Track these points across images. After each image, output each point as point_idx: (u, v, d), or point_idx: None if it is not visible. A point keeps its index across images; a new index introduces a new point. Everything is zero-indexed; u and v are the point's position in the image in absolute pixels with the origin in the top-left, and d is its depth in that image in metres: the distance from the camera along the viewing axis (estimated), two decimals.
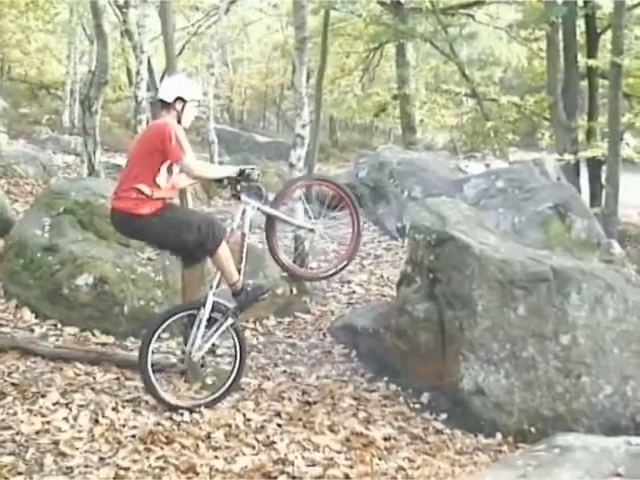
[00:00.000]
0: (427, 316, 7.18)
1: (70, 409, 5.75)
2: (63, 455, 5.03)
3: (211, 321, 6.32)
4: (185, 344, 6.41)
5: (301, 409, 6.54)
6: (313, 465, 5.35)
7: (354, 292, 9.92)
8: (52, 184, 12.99)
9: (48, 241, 8.11)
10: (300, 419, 6.29)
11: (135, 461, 5.05)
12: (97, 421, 5.63)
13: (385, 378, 7.37)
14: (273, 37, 35.74)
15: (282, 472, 5.14)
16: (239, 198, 6.58)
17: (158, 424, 5.68)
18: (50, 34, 27.99)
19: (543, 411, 6.62)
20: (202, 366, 6.67)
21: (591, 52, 20.34)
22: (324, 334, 8.49)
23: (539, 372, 6.70)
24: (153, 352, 6.21)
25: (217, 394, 6.34)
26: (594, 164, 19.52)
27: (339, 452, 5.70)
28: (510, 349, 6.76)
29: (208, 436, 5.61)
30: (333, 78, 28.04)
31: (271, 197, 7.12)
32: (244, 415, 6.12)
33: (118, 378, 6.54)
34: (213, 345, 6.52)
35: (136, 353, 6.85)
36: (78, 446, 5.19)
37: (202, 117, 20.53)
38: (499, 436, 6.55)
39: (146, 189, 6.07)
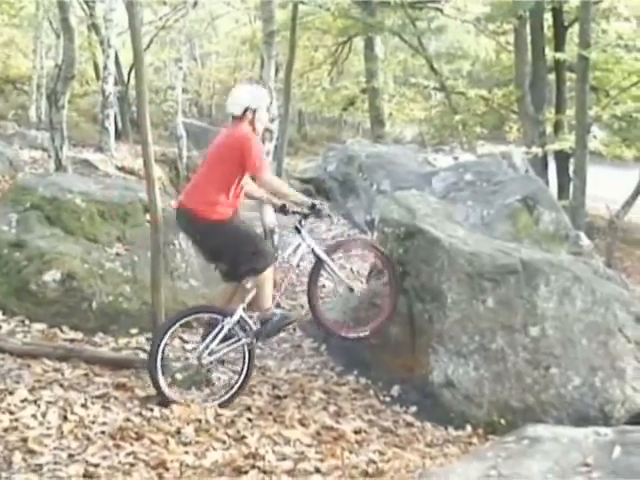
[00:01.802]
0: (397, 309, 7.19)
1: (38, 406, 5.68)
2: (32, 452, 4.97)
3: (231, 333, 6.41)
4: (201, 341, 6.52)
5: (271, 403, 6.55)
6: (284, 459, 5.33)
7: (323, 286, 9.86)
8: (19, 180, 12.85)
9: (15, 237, 8.01)
10: (270, 413, 6.29)
11: (105, 457, 5.00)
12: (66, 418, 5.56)
13: (355, 371, 7.38)
14: (241, 31, 35.58)
15: (253, 466, 5.11)
16: (299, 232, 6.81)
17: (128, 420, 5.64)
18: (16, 28, 27.71)
19: (513, 403, 6.69)
20: (208, 371, 6.70)
21: (558, 45, 20.50)
22: (294, 328, 8.46)
23: (508, 364, 6.77)
24: (166, 344, 6.29)
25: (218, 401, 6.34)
26: (562, 157, 19.70)
27: (310, 446, 5.70)
28: (479, 341, 6.82)
29: (178, 431, 5.57)
30: (302, 72, 28.00)
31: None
32: (214, 410, 6.10)
33: (87, 374, 6.48)
34: (224, 356, 6.59)
35: (105, 349, 6.87)
36: (47, 443, 5.13)
37: (170, 111, 20.49)
38: (469, 428, 6.61)
39: (220, 196, 6.32)
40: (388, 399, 6.96)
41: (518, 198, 11.02)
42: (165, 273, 7.52)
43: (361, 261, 9.25)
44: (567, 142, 17.87)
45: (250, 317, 6.66)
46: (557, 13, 20.70)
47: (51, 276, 7.59)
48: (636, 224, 22.60)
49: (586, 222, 16.46)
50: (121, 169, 15.94)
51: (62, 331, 7.39)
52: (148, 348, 6.44)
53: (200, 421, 5.83)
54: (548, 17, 20.89)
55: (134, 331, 7.59)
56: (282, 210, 7.05)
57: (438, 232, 7.26)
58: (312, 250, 6.86)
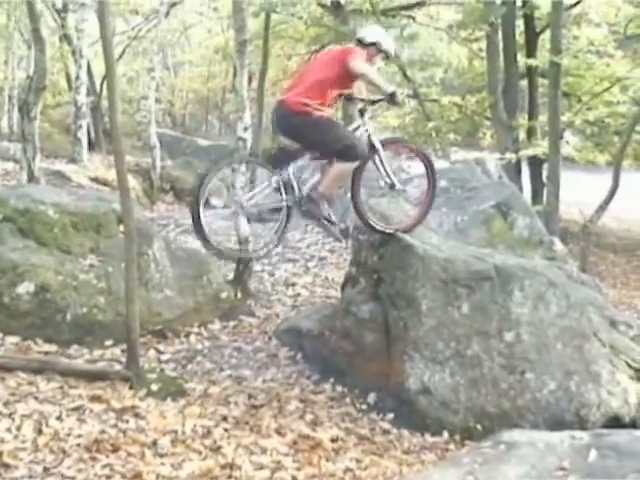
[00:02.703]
0: (372, 317, 7.22)
1: (13, 419, 5.63)
2: (6, 466, 4.92)
3: (276, 190, 6.93)
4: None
5: (248, 413, 6.51)
6: (261, 469, 5.32)
7: (299, 295, 9.91)
8: None
9: None
10: (247, 423, 6.26)
11: (80, 470, 4.96)
12: (41, 431, 5.52)
13: (331, 380, 7.37)
14: (214, 40, 35.54)
15: (229, 477, 5.10)
16: (362, 115, 7.27)
17: (103, 432, 5.60)
18: None
19: (489, 408, 6.70)
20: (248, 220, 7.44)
21: (530, 52, 20.59)
22: (269, 337, 8.46)
23: (484, 370, 6.78)
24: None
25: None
26: (535, 162, 19.78)
27: (286, 455, 5.68)
28: (455, 347, 6.83)
29: (154, 443, 5.54)
30: (275, 80, 27.98)
31: None
32: (190, 421, 6.07)
33: (62, 387, 6.41)
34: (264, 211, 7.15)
35: (79, 361, 6.85)
36: (22, 457, 5.08)
37: (143, 121, 20.45)
38: (446, 434, 6.61)
39: (317, 98, 6.81)
40: (364, 407, 6.95)
41: (492, 204, 11.09)
42: (139, 284, 7.49)
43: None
44: (540, 148, 17.93)
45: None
46: (528, 19, 20.80)
47: (24, 288, 7.52)
48: (610, 228, 22.78)
49: (560, 227, 16.53)
50: (94, 180, 15.89)
51: (36, 343, 7.32)
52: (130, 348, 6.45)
53: (176, 432, 5.80)
54: (520, 24, 20.98)
55: (109, 343, 7.54)
56: (349, 99, 7.47)
57: (412, 239, 7.29)
58: (368, 135, 7.18)
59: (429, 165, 7.56)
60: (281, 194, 6.85)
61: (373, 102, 7.32)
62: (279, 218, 7.07)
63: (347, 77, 6.89)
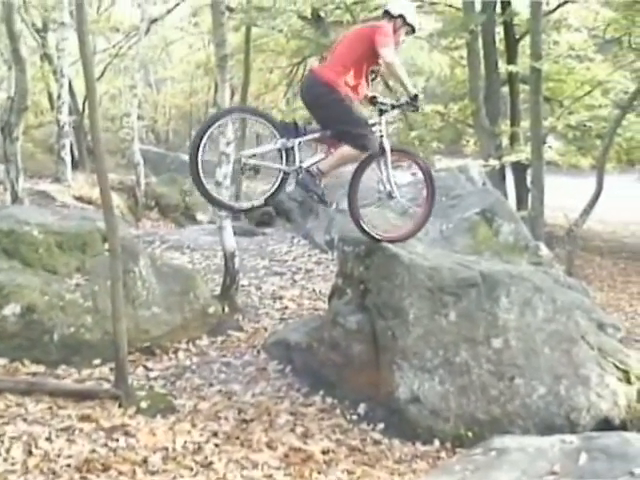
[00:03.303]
0: (360, 327, 7.22)
1: (2, 442, 5.61)
2: None
3: (276, 153, 6.90)
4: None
5: (238, 427, 6.51)
6: None
7: (287, 307, 9.90)
8: None
9: None
10: (237, 438, 6.26)
11: None
12: (31, 452, 5.50)
13: (321, 392, 7.36)
14: (195, 55, 35.56)
15: None
16: (381, 114, 7.25)
17: (93, 451, 5.59)
18: None
19: (479, 415, 6.70)
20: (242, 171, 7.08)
21: (511, 58, 20.64)
22: (258, 351, 8.45)
23: (473, 377, 6.78)
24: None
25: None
26: (519, 168, 19.81)
27: (278, 468, 5.69)
28: (443, 355, 6.83)
29: (145, 461, 5.54)
30: (257, 94, 28.03)
31: None
32: (181, 437, 6.06)
33: (50, 407, 6.39)
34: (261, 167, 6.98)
35: (68, 381, 6.83)
36: (12, 479, 5.08)
37: (127, 139, 20.44)
38: (437, 443, 6.61)
39: (346, 74, 6.85)
40: (355, 417, 6.94)
41: (477, 211, 11.11)
42: (126, 302, 7.49)
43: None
44: (523, 153, 17.94)
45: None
46: (508, 26, 20.84)
47: (10, 310, 7.49)
48: (595, 231, 22.86)
49: (546, 232, 16.56)
50: (79, 199, 15.88)
51: (24, 365, 7.29)
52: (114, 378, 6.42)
53: (167, 449, 5.80)
54: (499, 30, 21.01)
55: (97, 362, 7.52)
56: (371, 102, 7.37)
57: (397, 248, 7.29)
58: (381, 137, 7.18)
59: (430, 178, 7.55)
60: (281, 159, 6.86)
61: (394, 106, 7.34)
62: (271, 181, 7.07)
63: (376, 54, 6.90)
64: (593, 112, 19.34)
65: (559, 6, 20.93)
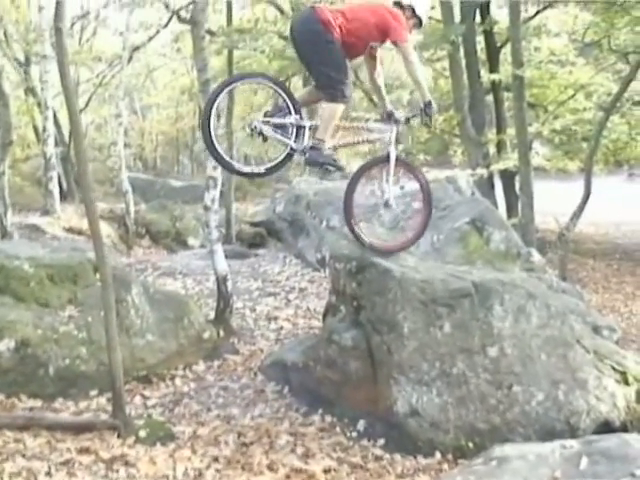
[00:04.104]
0: (355, 344, 7.20)
1: (2, 479, 5.59)
2: None
3: (287, 128, 6.85)
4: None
5: (238, 451, 6.48)
6: None
7: (282, 328, 9.90)
8: None
9: None
10: (238, 461, 6.23)
11: None
12: None
13: (320, 410, 7.34)
14: (180, 81, 35.69)
15: None
16: (395, 124, 7.33)
17: None
18: None
19: (479, 425, 6.67)
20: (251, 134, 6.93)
21: (493, 67, 20.74)
22: (255, 373, 8.43)
23: (471, 387, 6.76)
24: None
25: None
26: (507, 176, 19.87)
27: None
28: (440, 367, 6.81)
29: None
30: (243, 116, 28.04)
31: None
32: (181, 464, 6.03)
33: (49, 441, 6.36)
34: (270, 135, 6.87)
35: (65, 414, 6.80)
36: None
37: (114, 167, 20.43)
38: (438, 455, 6.58)
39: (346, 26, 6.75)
40: (355, 434, 6.92)
41: (467, 221, 11.14)
42: (120, 331, 7.48)
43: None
44: (510, 161, 18.02)
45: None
46: (488, 35, 20.95)
47: (4, 345, 7.47)
48: (587, 234, 22.91)
49: (538, 237, 16.59)
50: (69, 230, 15.85)
51: (20, 400, 7.27)
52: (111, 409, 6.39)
53: (167, 477, 5.79)
54: (480, 40, 21.13)
55: (94, 393, 7.51)
56: (389, 116, 7.42)
57: (389, 263, 7.28)
58: (389, 144, 7.23)
59: (428, 195, 7.55)
60: (290, 135, 6.84)
61: (408, 119, 7.44)
62: (277, 153, 7.11)
63: (381, 35, 6.93)
64: (578, 116, 19.44)
65: (538, 12, 21.08)
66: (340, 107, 6.82)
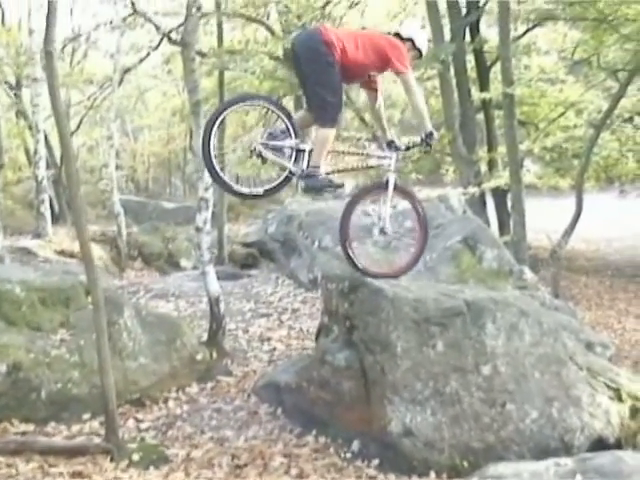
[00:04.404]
0: (348, 364, 7.19)
1: None
2: None
3: (287, 152, 6.89)
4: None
5: (232, 473, 6.46)
6: None
7: (275, 349, 9.87)
8: None
9: None
10: None
11: None
12: None
13: (313, 431, 7.30)
14: (171, 102, 35.73)
15: None
16: (395, 151, 7.35)
17: None
18: None
19: (473, 444, 6.65)
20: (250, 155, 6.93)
21: (483, 85, 20.82)
22: (248, 395, 8.40)
23: (464, 405, 6.75)
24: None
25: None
26: (499, 193, 19.91)
27: None
28: (433, 386, 6.80)
29: None
30: (235, 136, 28.02)
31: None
32: None
33: (42, 466, 6.32)
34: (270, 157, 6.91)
35: (58, 438, 6.76)
36: None
37: (106, 190, 20.42)
38: (433, 474, 6.55)
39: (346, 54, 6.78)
40: (349, 455, 6.89)
41: (459, 239, 11.16)
42: (113, 354, 7.46)
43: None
44: (502, 179, 18.06)
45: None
46: (478, 54, 21.05)
47: None
48: (579, 251, 22.95)
49: (530, 255, 16.62)
50: (61, 253, 15.81)
51: (12, 424, 7.22)
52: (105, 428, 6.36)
53: None
54: (470, 59, 21.22)
55: (86, 416, 7.47)
56: (389, 145, 7.44)
57: (381, 282, 7.27)
58: (389, 171, 7.28)
59: (425, 223, 7.57)
60: (289, 158, 6.86)
61: (408, 147, 7.45)
62: (276, 174, 7.16)
63: (382, 63, 6.98)
64: (568, 133, 19.52)
65: (528, 31, 21.15)
66: (332, 132, 6.82)
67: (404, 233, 7.89)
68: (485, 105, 20.71)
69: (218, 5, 18.28)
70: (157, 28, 21.16)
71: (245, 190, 7.11)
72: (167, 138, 38.11)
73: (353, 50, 6.79)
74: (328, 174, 6.97)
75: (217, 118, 6.65)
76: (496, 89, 19.23)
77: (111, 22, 20.81)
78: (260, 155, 6.77)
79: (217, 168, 6.63)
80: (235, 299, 12.33)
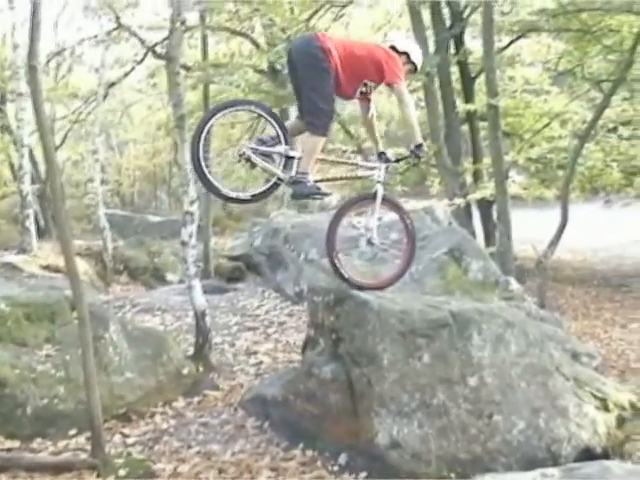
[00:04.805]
0: (334, 377, 7.16)
1: None
2: None
3: (277, 158, 6.92)
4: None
5: None
6: None
7: (261, 362, 9.85)
8: None
9: None
10: None
11: None
12: None
13: (301, 445, 7.27)
14: (156, 116, 35.67)
15: None
16: (386, 162, 7.41)
17: None
18: None
19: (460, 455, 6.63)
20: (239, 159, 6.90)
21: (468, 97, 20.88)
22: (235, 409, 8.36)
23: (451, 417, 6.74)
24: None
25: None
26: (484, 205, 19.95)
27: None
28: (420, 398, 6.78)
29: None
30: (220, 150, 28.05)
31: None
32: None
33: None
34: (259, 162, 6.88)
35: (44, 454, 6.73)
36: None
37: (92, 204, 20.37)
38: None
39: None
40: (336, 468, 6.85)
41: (444, 251, 11.14)
42: (99, 369, 7.45)
43: None
44: (487, 190, 18.08)
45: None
46: (463, 66, 21.11)
47: None
48: (565, 261, 23.00)
49: (516, 265, 16.64)
50: (46, 268, 15.72)
51: None
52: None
53: None
54: (455, 70, 21.28)
55: (72, 432, 7.44)
56: (379, 156, 7.48)
57: (366, 295, 7.26)
58: (378, 182, 7.30)
59: (412, 236, 7.59)
60: (278, 164, 6.88)
61: (398, 160, 7.57)
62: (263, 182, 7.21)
63: (376, 73, 7.03)
64: (553, 144, 19.59)
65: (512, 42, 21.22)
66: (321, 140, 6.83)
67: (391, 245, 7.86)
68: (470, 116, 20.77)
69: (203, 19, 18.31)
70: (142, 42, 21.27)
71: (233, 194, 7.09)
72: (152, 152, 38.05)
73: (349, 58, 6.84)
74: (317, 182, 6.97)
75: (208, 121, 6.68)
76: (481, 100, 19.28)
77: (96, 36, 20.86)
78: (249, 160, 6.78)
79: (205, 171, 6.63)
80: (221, 313, 12.30)
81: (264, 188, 7.00)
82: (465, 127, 21.68)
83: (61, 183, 7.27)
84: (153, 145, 38.01)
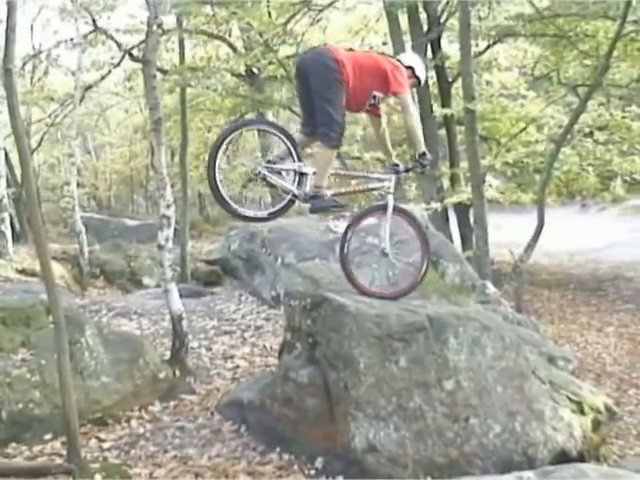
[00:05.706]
0: (311, 381, 7.16)
1: None
2: None
3: (291, 175, 7.03)
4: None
5: None
6: None
7: (238, 366, 9.82)
8: None
9: None
10: None
11: None
12: None
13: (277, 449, 7.25)
14: (133, 119, 35.64)
15: None
16: (395, 174, 7.53)
17: None
18: None
19: (437, 459, 6.64)
20: (255, 180, 7.02)
21: (445, 101, 20.97)
22: (212, 413, 8.33)
23: (428, 421, 6.74)
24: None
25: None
26: (461, 209, 20.04)
27: None
28: (396, 402, 6.78)
29: None
30: (197, 154, 28.04)
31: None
32: None
33: None
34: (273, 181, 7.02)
35: (19, 459, 6.69)
36: None
37: (68, 207, 20.28)
38: None
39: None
40: (313, 472, 6.85)
41: None
42: (75, 373, 7.41)
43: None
44: (464, 194, 18.16)
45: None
46: (440, 70, 21.19)
47: None
48: (542, 265, 23.12)
49: (493, 269, 16.72)
50: (22, 272, 15.64)
51: None
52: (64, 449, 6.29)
53: None
54: (432, 75, 21.35)
55: (48, 437, 7.40)
56: (393, 167, 7.64)
57: (343, 299, 7.26)
58: (387, 192, 7.41)
59: (426, 243, 7.79)
60: (294, 181, 6.97)
61: (407, 169, 7.63)
62: (279, 200, 7.22)
63: (383, 84, 7.15)
64: (529, 148, 19.71)
65: (489, 47, 21.34)
66: (332, 153, 6.97)
67: (404, 254, 7.92)
68: (447, 121, 20.84)
69: (179, 22, 18.30)
70: (118, 45, 21.20)
71: (250, 213, 7.09)
72: (129, 155, 38.01)
73: (358, 69, 6.96)
74: (333, 195, 7.04)
75: (223, 141, 6.74)
76: (458, 105, 19.36)
77: (72, 39, 20.77)
78: (264, 178, 6.83)
79: (222, 191, 6.67)
80: (198, 317, 12.27)
81: (280, 206, 7.10)
82: (442, 131, 21.76)
83: (37, 187, 7.24)
84: (130, 148, 37.97)
